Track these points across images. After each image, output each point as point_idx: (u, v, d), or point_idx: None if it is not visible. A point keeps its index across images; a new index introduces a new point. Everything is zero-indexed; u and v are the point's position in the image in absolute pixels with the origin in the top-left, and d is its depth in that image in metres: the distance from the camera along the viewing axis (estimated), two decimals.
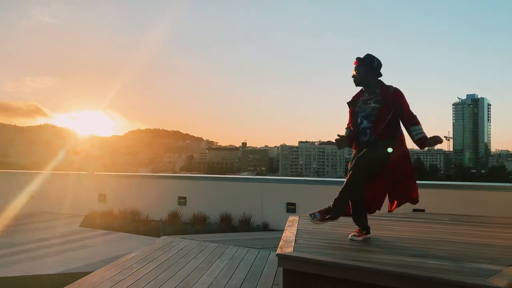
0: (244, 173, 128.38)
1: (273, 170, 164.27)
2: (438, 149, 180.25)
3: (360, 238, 3.61)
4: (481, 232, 4.14)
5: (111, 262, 4.66)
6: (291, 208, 8.98)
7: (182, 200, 9.98)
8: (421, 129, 3.57)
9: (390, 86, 3.69)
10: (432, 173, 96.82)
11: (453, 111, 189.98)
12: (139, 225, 8.73)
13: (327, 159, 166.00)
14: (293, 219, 4.80)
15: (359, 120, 3.71)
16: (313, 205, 9.13)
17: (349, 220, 4.87)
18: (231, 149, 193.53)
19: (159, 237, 6.54)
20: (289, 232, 3.94)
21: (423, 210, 7.65)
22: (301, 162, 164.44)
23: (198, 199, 9.87)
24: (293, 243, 3.42)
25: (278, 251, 3.15)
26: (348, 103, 3.89)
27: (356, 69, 3.74)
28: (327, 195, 9.29)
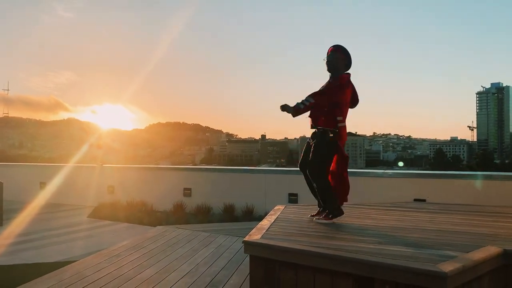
0: (263, 165, 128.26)
1: (293, 162, 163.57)
2: (461, 139, 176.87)
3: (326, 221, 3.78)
4: (462, 220, 4.12)
5: (101, 250, 4.81)
6: (293, 198, 9.05)
7: (187, 192, 10.14)
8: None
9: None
10: (454, 163, 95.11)
11: (477, 100, 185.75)
12: (144, 216, 8.92)
13: (347, 150, 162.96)
14: (278, 208, 4.86)
15: None
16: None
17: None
18: (250, 141, 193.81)
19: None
20: (266, 220, 4.01)
21: (424, 200, 7.63)
22: None
23: (203, 190, 10.01)
24: (264, 231, 3.49)
25: (246, 238, 3.23)
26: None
27: (331, 58, 3.86)
28: None
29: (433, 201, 7.36)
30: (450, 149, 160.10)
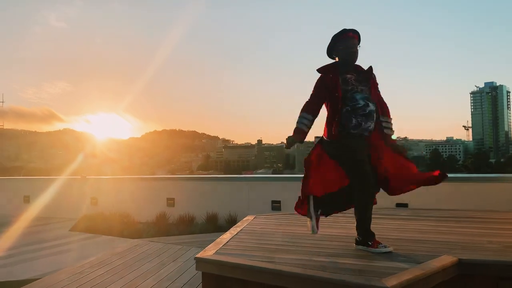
0: (260, 171, 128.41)
1: (289, 166, 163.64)
2: (457, 139, 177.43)
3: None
4: (431, 228, 4.04)
5: (66, 268, 4.71)
6: (276, 206, 8.97)
7: (170, 202, 10.03)
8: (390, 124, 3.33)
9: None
10: (450, 163, 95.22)
11: (471, 100, 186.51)
12: (125, 228, 8.79)
13: None
14: (246, 219, 4.78)
15: (363, 103, 3.12)
16: None
17: (299, 218, 4.80)
18: (247, 146, 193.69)
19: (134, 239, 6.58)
20: (229, 233, 3.92)
21: (406, 205, 7.55)
22: None
23: (187, 200, 9.91)
24: (221, 245, 3.40)
25: (199, 254, 3.13)
26: (324, 75, 3.28)
27: (355, 44, 3.29)
28: None
29: (415, 205, 7.29)
30: (446, 149, 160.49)
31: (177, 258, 4.92)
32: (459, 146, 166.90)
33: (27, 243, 7.91)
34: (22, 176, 14.16)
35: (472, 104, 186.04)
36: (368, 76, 3.29)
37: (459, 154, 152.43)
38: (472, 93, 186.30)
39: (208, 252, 3.17)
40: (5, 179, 13.79)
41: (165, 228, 8.66)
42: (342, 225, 4.28)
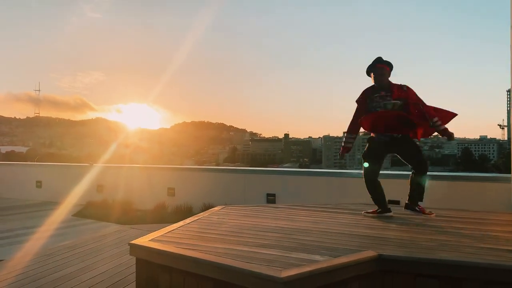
0: (286, 165, 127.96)
1: (316, 161, 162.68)
2: (491, 138, 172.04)
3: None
4: (383, 224, 4.01)
5: (37, 250, 4.92)
6: (271, 199, 9.03)
7: (171, 191, 10.24)
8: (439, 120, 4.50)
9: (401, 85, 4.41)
10: (481, 163, 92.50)
11: (507, 97, 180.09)
12: (123, 215, 9.04)
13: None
14: (212, 209, 4.88)
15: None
16: (292, 196, 9.17)
17: (267, 210, 4.88)
18: (274, 140, 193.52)
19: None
20: (182, 222, 4.02)
21: (398, 202, 7.46)
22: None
23: (186, 190, 10.09)
24: (164, 232, 3.50)
25: (135, 240, 3.25)
26: (358, 101, 4.63)
27: (385, 73, 4.40)
28: (307, 186, 9.27)
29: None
30: (479, 148, 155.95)
31: None
32: (493, 145, 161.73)
33: (26, 226, 8.23)
34: (36, 162, 14.70)
35: (508, 102, 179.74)
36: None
37: (492, 154, 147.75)
38: (509, 90, 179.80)
39: (145, 238, 3.29)
40: (19, 164, 14.38)
41: (161, 216, 8.87)
42: (297, 218, 4.31)
